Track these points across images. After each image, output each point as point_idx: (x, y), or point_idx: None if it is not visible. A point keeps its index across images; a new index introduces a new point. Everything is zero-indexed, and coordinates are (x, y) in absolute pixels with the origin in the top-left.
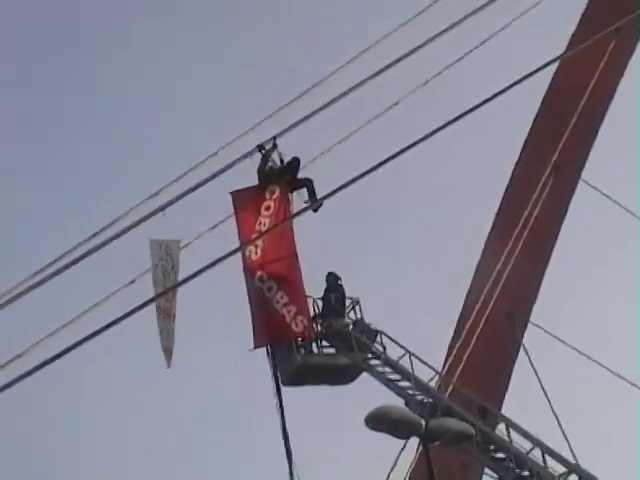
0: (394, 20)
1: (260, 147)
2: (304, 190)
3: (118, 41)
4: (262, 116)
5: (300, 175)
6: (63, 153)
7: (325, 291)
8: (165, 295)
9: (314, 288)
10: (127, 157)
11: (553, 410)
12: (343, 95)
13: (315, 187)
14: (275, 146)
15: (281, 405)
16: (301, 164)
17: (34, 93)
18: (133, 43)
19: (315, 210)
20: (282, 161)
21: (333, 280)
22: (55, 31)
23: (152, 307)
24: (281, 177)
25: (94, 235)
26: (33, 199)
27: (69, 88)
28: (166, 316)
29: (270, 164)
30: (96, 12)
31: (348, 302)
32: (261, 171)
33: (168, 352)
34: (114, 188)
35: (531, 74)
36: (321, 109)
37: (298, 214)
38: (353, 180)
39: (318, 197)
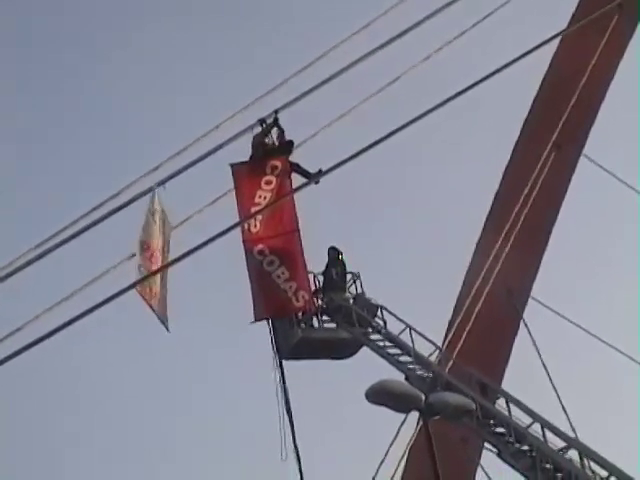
0: None
1: (261, 121)
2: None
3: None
4: (264, 90)
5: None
6: (63, 123)
7: (326, 266)
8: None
9: (315, 263)
10: (128, 130)
11: (553, 385)
12: (344, 70)
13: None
14: (276, 120)
15: (283, 378)
16: (304, 139)
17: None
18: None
19: (317, 182)
20: (282, 134)
21: (334, 255)
22: None
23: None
24: (280, 154)
25: (95, 208)
26: (33, 171)
27: (71, 55)
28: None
29: (268, 139)
30: None
31: (349, 277)
32: (260, 144)
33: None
34: (114, 161)
35: (532, 51)
36: (323, 84)
37: (300, 188)
38: (355, 155)
39: (321, 171)
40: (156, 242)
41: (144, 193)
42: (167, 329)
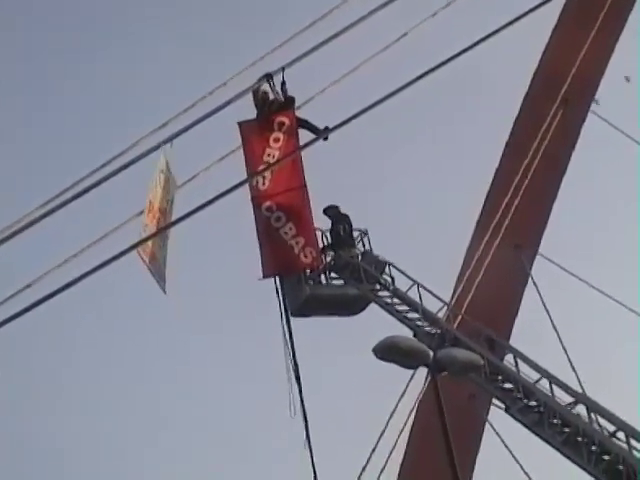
0: None
1: (268, 76)
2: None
3: None
4: (271, 47)
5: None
6: (73, 83)
7: (333, 223)
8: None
9: (323, 220)
10: (135, 88)
11: (561, 341)
12: (352, 26)
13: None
14: (282, 77)
15: (290, 336)
16: (311, 96)
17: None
18: None
19: (325, 138)
20: (284, 86)
21: (334, 212)
22: None
23: None
24: (285, 109)
25: (103, 166)
26: (44, 129)
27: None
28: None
29: (273, 96)
30: None
31: (356, 234)
32: (264, 100)
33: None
34: (122, 119)
35: (539, 6)
36: (330, 39)
37: (308, 145)
38: (362, 111)
39: (329, 128)
40: (159, 202)
41: (151, 150)
42: (164, 290)
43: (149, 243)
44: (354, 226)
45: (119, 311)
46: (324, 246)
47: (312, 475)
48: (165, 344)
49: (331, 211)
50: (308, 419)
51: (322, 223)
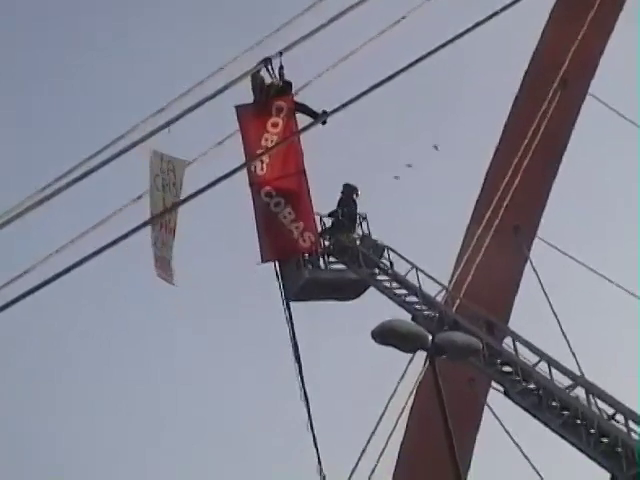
0: None
1: (266, 60)
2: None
3: None
4: (269, 32)
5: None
6: (70, 66)
7: (338, 204)
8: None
9: (321, 205)
10: (132, 72)
11: (559, 323)
12: (350, 9)
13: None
14: (280, 62)
15: (290, 320)
16: (308, 81)
17: None
18: None
19: (324, 123)
20: (282, 70)
21: (349, 192)
22: None
23: None
24: (283, 93)
25: (99, 151)
26: (41, 111)
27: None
28: (163, 229)
29: (271, 80)
30: None
31: (357, 218)
32: (261, 84)
33: (163, 263)
34: (120, 104)
35: None
36: (328, 23)
37: (306, 129)
38: (360, 96)
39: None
40: (165, 204)
41: (149, 135)
42: (173, 284)
43: (161, 250)
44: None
45: (119, 301)
46: (322, 230)
47: (315, 456)
48: (164, 332)
49: (347, 190)
50: (310, 402)
51: (320, 207)
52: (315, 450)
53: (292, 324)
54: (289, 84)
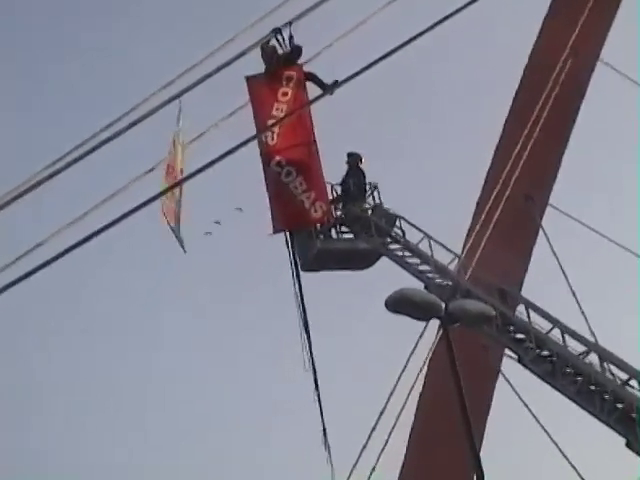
0: None
1: (276, 31)
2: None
3: None
4: (279, 1)
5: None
6: (78, 40)
7: (345, 174)
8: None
9: (332, 174)
10: (142, 44)
11: (572, 290)
12: None
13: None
14: (290, 32)
15: (300, 291)
16: (319, 50)
17: None
18: None
19: (332, 94)
20: (292, 40)
21: (353, 161)
22: None
23: None
24: (292, 61)
25: (111, 124)
26: (58, 84)
27: None
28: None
29: (281, 50)
30: None
31: (367, 187)
32: (272, 53)
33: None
34: (130, 76)
35: None
36: None
37: (316, 99)
38: (370, 65)
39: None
40: (180, 164)
41: (161, 106)
42: (183, 249)
43: (172, 204)
44: (366, 178)
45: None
46: (334, 199)
47: (321, 428)
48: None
49: (352, 159)
50: (317, 373)
51: (332, 177)
52: (321, 420)
53: (302, 294)
54: (299, 49)
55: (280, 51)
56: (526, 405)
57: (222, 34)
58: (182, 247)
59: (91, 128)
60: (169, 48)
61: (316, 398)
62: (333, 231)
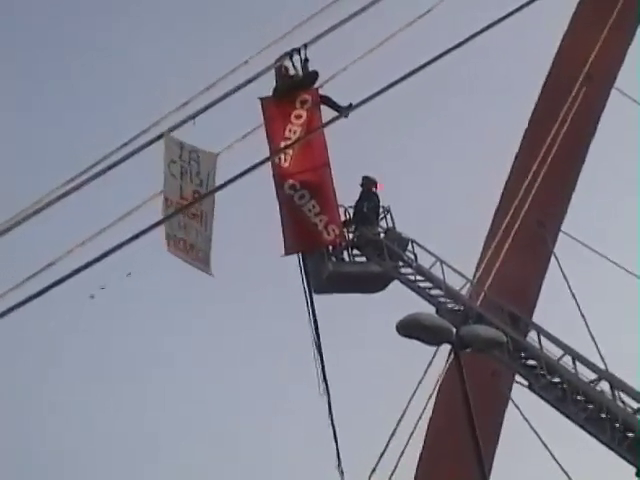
0: None
1: (291, 53)
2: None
3: None
4: (293, 24)
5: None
6: (78, 40)
7: (359, 197)
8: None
9: (345, 197)
10: (142, 44)
11: (583, 317)
12: (375, 1)
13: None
14: (305, 54)
15: (313, 312)
16: (333, 74)
17: None
18: None
19: (346, 116)
20: (306, 63)
21: (369, 184)
22: None
23: None
24: (307, 85)
25: (125, 144)
26: (64, 105)
27: None
28: (186, 216)
29: (295, 71)
30: None
31: (380, 210)
32: (286, 77)
33: (178, 244)
34: (130, 76)
35: None
36: (353, 16)
37: (330, 122)
38: (385, 89)
39: (352, 105)
40: (182, 193)
41: (173, 128)
42: (210, 274)
43: (181, 235)
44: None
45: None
46: (346, 221)
47: (335, 452)
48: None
49: (366, 182)
50: (331, 397)
51: (344, 200)
52: (335, 445)
53: (315, 317)
54: (315, 74)
55: (292, 72)
56: (536, 432)
57: (222, 34)
58: (208, 272)
59: (91, 128)
60: (169, 48)
61: (330, 422)
62: (345, 254)
